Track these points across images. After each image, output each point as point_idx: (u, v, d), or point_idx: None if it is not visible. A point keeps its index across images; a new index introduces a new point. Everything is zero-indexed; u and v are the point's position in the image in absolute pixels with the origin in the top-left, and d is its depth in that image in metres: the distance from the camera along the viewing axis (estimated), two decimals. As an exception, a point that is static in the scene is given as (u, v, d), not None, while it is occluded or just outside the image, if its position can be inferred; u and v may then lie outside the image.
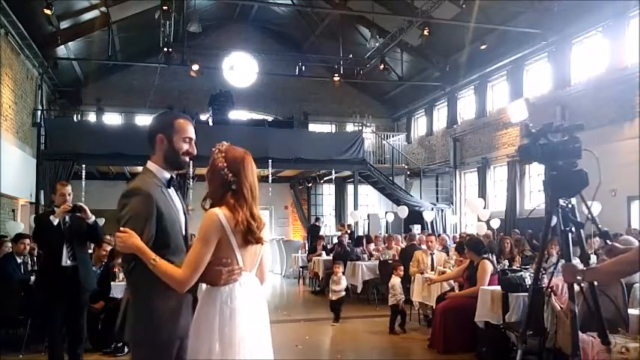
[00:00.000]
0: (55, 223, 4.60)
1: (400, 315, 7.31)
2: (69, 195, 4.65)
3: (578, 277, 2.55)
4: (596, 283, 2.77)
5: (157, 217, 2.33)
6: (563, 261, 2.74)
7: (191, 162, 2.57)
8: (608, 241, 2.86)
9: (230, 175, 2.28)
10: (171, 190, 2.51)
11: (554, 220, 2.79)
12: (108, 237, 6.98)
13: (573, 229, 2.77)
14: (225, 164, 2.29)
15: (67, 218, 4.68)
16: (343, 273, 10.53)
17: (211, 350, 2.19)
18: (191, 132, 2.50)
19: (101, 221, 5.37)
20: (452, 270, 7.27)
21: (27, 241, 6.87)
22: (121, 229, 2.25)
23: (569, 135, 2.79)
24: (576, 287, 4.09)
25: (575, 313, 2.80)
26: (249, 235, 2.25)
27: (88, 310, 5.01)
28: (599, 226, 2.76)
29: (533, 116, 13.69)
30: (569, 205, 2.76)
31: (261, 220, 2.33)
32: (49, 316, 4.79)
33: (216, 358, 2.18)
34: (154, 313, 2.29)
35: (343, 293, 8.13)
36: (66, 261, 4.62)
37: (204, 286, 2.36)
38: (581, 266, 2.63)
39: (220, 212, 2.23)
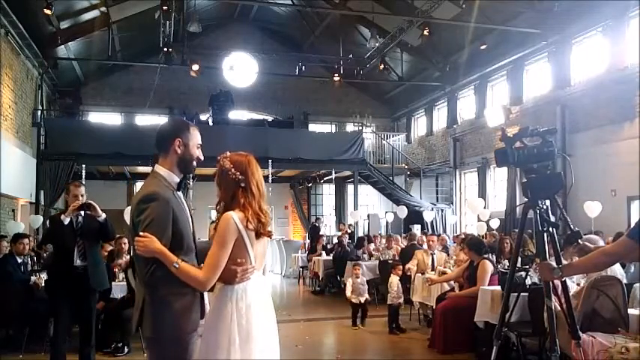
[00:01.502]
0: (66, 222, 4.59)
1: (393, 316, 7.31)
2: (82, 196, 4.62)
3: (555, 275, 2.66)
4: (573, 278, 2.95)
5: (173, 220, 2.44)
6: (537, 260, 2.86)
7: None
8: (579, 241, 2.99)
9: (238, 173, 2.42)
10: (180, 193, 2.61)
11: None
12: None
13: (551, 229, 2.87)
14: (231, 165, 2.44)
15: (80, 218, 4.69)
16: (342, 274, 10.62)
17: (232, 342, 2.31)
18: (199, 140, 2.64)
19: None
20: (452, 270, 7.28)
21: (26, 241, 6.87)
22: (141, 233, 2.33)
23: (542, 139, 2.86)
24: (575, 287, 4.09)
25: (552, 310, 2.93)
26: (261, 228, 2.42)
27: None
28: (572, 226, 2.90)
29: (533, 117, 13.72)
30: (544, 206, 2.86)
31: (268, 215, 2.50)
32: (56, 316, 4.81)
33: (235, 351, 2.30)
34: (171, 310, 2.38)
35: (366, 296, 7.82)
36: (76, 260, 4.62)
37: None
38: (554, 264, 2.71)
39: (234, 214, 2.37)
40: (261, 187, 2.49)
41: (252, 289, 2.41)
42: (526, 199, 2.94)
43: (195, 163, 2.60)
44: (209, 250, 2.37)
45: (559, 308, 4.77)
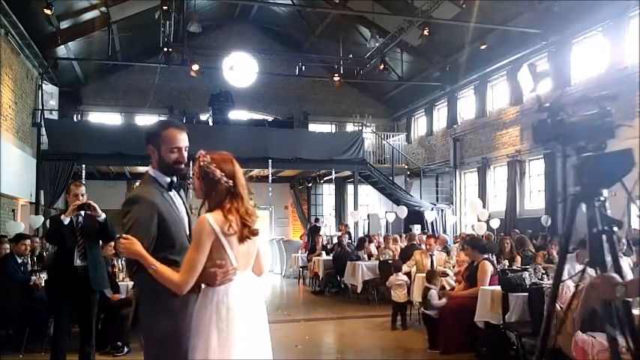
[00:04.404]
0: (66, 222, 4.59)
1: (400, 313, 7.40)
2: (82, 195, 4.62)
3: (618, 293, 1.92)
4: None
5: (160, 221, 2.44)
6: (590, 270, 2.11)
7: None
8: None
9: (230, 182, 2.35)
10: (173, 193, 2.59)
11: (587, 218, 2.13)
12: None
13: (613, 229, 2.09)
14: (222, 173, 2.34)
15: (80, 218, 4.69)
16: (342, 274, 10.61)
17: (209, 346, 2.27)
18: (180, 141, 2.53)
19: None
20: (452, 270, 7.29)
21: (27, 241, 6.86)
22: (124, 235, 2.36)
23: (598, 107, 2.13)
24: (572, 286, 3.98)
25: (616, 340, 2.09)
26: (246, 231, 2.34)
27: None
28: None
29: (533, 117, 13.67)
30: (601, 198, 2.11)
31: (254, 213, 2.41)
32: (56, 316, 4.82)
33: (213, 353, 2.26)
34: (164, 308, 2.40)
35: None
36: (76, 261, 4.63)
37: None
38: (618, 278, 1.95)
39: (210, 217, 2.31)
40: (245, 186, 2.42)
41: (235, 290, 2.35)
42: (577, 188, 2.14)
43: (178, 166, 2.55)
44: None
45: (559, 308, 4.78)
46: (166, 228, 2.44)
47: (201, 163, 2.36)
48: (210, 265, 2.30)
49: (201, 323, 2.32)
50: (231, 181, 2.35)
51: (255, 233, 2.38)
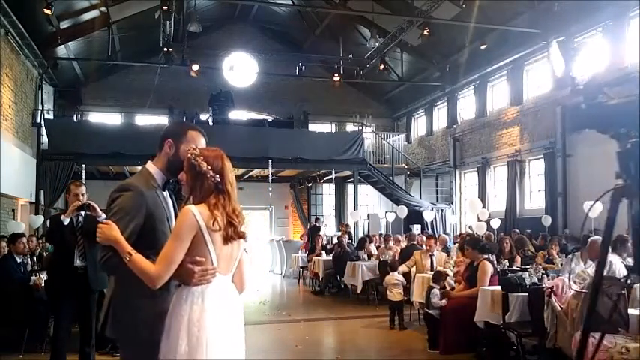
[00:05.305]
0: (66, 222, 4.59)
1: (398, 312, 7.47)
2: (82, 195, 4.61)
3: None
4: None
5: (146, 216, 2.35)
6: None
7: None
8: None
9: (217, 177, 2.29)
10: (166, 193, 2.53)
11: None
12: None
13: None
14: (209, 167, 2.28)
15: (80, 218, 4.70)
16: (342, 274, 10.61)
17: (179, 349, 2.17)
18: (201, 145, 2.53)
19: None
20: (452, 270, 7.28)
21: (24, 239, 6.86)
22: (104, 221, 2.29)
23: None
24: (575, 286, 3.99)
25: None
26: (231, 231, 2.25)
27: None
28: None
29: (533, 117, 13.68)
30: None
31: (242, 215, 2.33)
32: (56, 316, 4.82)
33: (181, 357, 2.16)
34: (139, 313, 2.29)
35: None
36: (76, 261, 4.63)
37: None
38: None
39: (195, 209, 2.22)
40: (234, 184, 2.34)
41: (211, 293, 2.23)
42: (618, 181, 1.88)
43: None
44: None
45: (559, 308, 4.78)
46: (152, 227, 2.36)
47: (189, 155, 2.32)
48: (189, 262, 2.20)
49: (173, 324, 2.21)
50: (218, 177, 2.28)
51: (241, 235, 2.28)
